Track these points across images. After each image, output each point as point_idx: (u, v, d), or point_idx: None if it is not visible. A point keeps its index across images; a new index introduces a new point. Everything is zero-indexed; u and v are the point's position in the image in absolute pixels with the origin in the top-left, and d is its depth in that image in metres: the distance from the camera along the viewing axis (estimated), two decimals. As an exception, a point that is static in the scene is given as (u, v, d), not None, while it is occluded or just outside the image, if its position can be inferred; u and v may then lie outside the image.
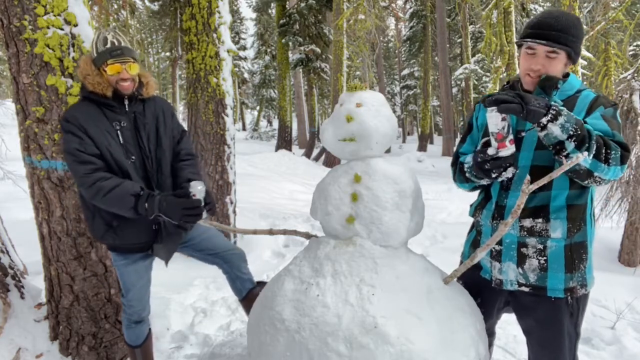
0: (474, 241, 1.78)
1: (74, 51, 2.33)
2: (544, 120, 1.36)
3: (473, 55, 19.93)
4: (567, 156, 1.38)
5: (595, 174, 1.39)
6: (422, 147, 21.31)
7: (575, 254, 1.57)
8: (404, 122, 34.45)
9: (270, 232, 1.88)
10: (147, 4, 23.00)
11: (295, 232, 1.90)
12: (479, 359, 1.51)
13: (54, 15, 2.25)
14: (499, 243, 1.63)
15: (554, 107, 1.36)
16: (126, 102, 1.99)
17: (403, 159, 16.17)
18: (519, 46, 1.62)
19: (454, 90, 24.75)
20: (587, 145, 1.34)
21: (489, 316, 1.80)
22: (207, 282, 3.76)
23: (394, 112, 18.97)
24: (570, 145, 1.36)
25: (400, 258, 1.58)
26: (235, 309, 3.39)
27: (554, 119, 1.35)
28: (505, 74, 11.32)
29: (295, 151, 16.72)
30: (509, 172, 1.53)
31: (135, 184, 1.90)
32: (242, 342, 2.78)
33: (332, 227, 1.62)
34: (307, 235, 1.80)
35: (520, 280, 1.61)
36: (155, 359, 2.70)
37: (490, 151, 1.49)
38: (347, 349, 1.38)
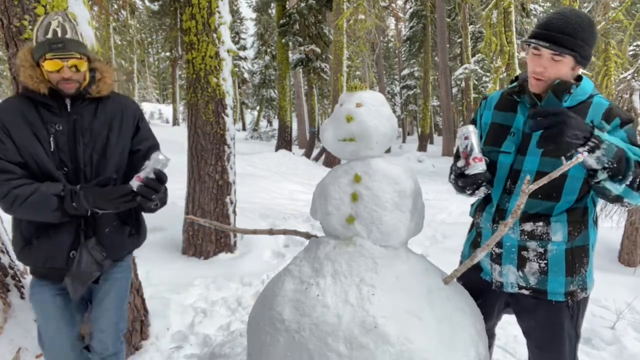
0: (474, 242, 1.77)
1: (74, 51, 2.33)
2: (579, 149, 1.29)
3: (473, 55, 19.94)
4: (597, 183, 1.35)
5: (625, 200, 1.37)
6: (422, 147, 21.33)
7: (577, 258, 1.56)
8: (404, 122, 34.47)
9: (270, 232, 1.88)
10: (147, 4, 23.03)
11: (295, 232, 1.90)
12: (479, 359, 1.51)
13: (54, 15, 2.25)
14: (499, 246, 1.62)
15: (594, 139, 1.27)
16: (68, 102, 1.64)
17: (403, 159, 16.19)
18: (528, 45, 1.54)
19: (454, 90, 24.75)
20: (621, 176, 1.31)
21: (490, 317, 1.79)
22: (207, 282, 3.76)
23: (394, 112, 18.97)
24: (602, 175, 1.32)
25: (400, 258, 1.58)
26: (235, 309, 3.39)
27: (591, 151, 1.27)
28: (505, 74, 11.32)
29: (295, 151, 16.72)
30: (482, 192, 1.55)
31: (56, 184, 1.58)
32: (242, 342, 2.78)
33: (332, 227, 1.62)
34: (307, 235, 1.80)
35: (521, 283, 1.61)
36: (155, 359, 2.70)
37: (460, 163, 1.52)
38: (347, 349, 1.38)
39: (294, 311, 1.50)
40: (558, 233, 1.52)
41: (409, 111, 31.66)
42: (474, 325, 1.56)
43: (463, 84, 21.94)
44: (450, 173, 1.71)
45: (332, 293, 1.48)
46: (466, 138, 1.49)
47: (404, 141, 32.01)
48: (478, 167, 1.48)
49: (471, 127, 1.52)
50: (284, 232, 1.90)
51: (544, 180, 1.38)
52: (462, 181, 1.53)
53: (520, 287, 1.61)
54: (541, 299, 1.59)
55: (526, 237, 1.56)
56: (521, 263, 1.59)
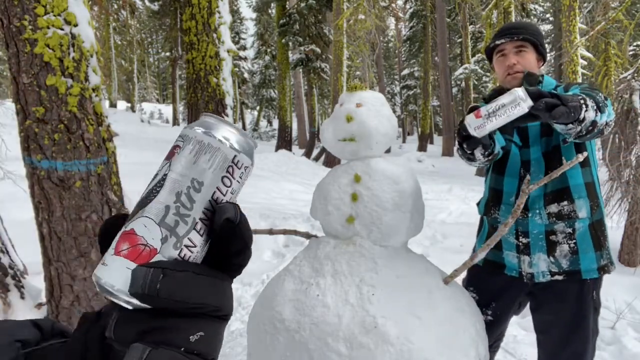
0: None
1: (74, 51, 2.33)
2: (582, 114, 1.28)
3: (473, 55, 19.93)
4: (601, 131, 1.38)
5: (609, 120, 1.40)
6: (422, 147, 21.32)
7: (599, 231, 1.60)
8: (404, 122, 34.45)
9: (270, 232, 1.88)
10: (147, 4, 23.04)
11: (295, 232, 1.90)
12: (479, 359, 1.51)
13: (54, 15, 2.25)
14: (526, 236, 1.62)
15: (581, 96, 1.31)
16: None
17: (403, 159, 16.17)
18: (490, 59, 1.73)
19: (454, 90, 24.76)
20: (601, 106, 1.36)
21: (505, 319, 1.79)
22: (207, 282, 3.76)
23: (394, 112, 18.96)
24: (599, 117, 1.34)
25: (400, 258, 1.58)
26: (235, 309, 3.39)
27: (586, 107, 1.30)
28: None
29: (295, 151, 16.72)
30: (478, 151, 1.47)
31: None
32: (242, 342, 2.78)
33: (332, 227, 1.62)
34: (307, 235, 1.80)
35: (553, 269, 1.60)
36: (155, 359, 2.70)
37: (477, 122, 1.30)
38: (347, 348, 1.38)
39: (294, 311, 1.50)
40: (583, 209, 1.55)
41: (409, 111, 31.63)
42: (474, 325, 1.56)
43: (463, 84, 21.92)
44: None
45: (332, 293, 1.48)
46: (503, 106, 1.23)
47: (404, 141, 32.01)
48: (475, 121, 1.32)
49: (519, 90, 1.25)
50: (284, 232, 1.90)
51: (544, 180, 1.41)
52: (466, 143, 1.44)
53: (553, 274, 1.60)
54: (574, 281, 1.58)
55: (554, 219, 1.57)
56: (551, 248, 1.59)
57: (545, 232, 1.60)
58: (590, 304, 1.60)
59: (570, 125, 1.32)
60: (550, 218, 1.57)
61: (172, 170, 0.40)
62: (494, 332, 1.76)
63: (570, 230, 1.58)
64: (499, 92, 1.66)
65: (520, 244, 1.64)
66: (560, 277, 1.60)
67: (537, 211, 1.59)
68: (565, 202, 1.56)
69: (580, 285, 1.60)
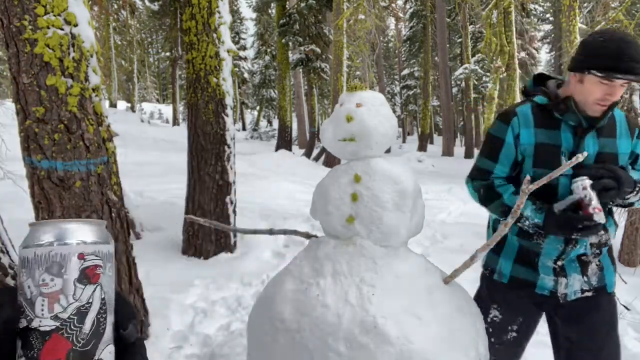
0: (524, 258, 1.75)
1: (74, 51, 2.33)
2: (630, 197, 1.58)
3: (473, 55, 19.94)
4: (630, 204, 1.68)
5: None
6: (422, 147, 21.33)
7: (610, 250, 1.73)
8: (404, 122, 34.47)
9: (271, 232, 1.88)
10: (147, 4, 23.07)
11: (295, 232, 1.90)
12: (479, 358, 1.51)
13: (54, 15, 2.26)
14: (561, 259, 1.65)
15: (638, 184, 1.57)
16: None
17: (403, 159, 16.16)
18: (580, 70, 1.50)
19: (454, 90, 24.77)
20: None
21: (530, 335, 1.83)
22: (207, 282, 3.76)
23: (394, 112, 18.95)
24: (635, 198, 1.61)
25: (400, 258, 1.58)
26: (235, 309, 3.39)
27: (637, 192, 1.57)
28: (505, 74, 11.31)
29: (295, 151, 16.71)
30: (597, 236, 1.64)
31: None
32: (242, 342, 2.79)
33: (332, 227, 1.62)
34: (307, 235, 1.80)
35: (584, 287, 1.66)
36: (155, 359, 2.70)
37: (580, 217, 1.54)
38: (347, 348, 1.38)
39: (294, 311, 1.49)
40: (612, 235, 1.68)
41: (409, 111, 31.66)
42: (474, 325, 1.56)
43: (463, 84, 21.96)
44: (489, 192, 1.68)
45: (332, 293, 1.48)
46: (584, 188, 1.49)
47: (404, 141, 32.01)
48: (602, 216, 1.50)
49: (588, 180, 1.52)
50: (284, 232, 1.90)
51: (544, 180, 1.42)
52: (582, 233, 1.53)
53: (583, 291, 1.66)
54: (602, 295, 1.67)
55: (595, 248, 1.65)
56: (584, 268, 1.65)
57: (578, 254, 1.65)
58: (617, 307, 1.73)
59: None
60: (592, 248, 1.65)
61: (106, 293, 0.42)
62: (517, 348, 1.81)
63: (598, 251, 1.67)
64: (561, 100, 1.59)
65: (557, 267, 1.66)
66: (589, 294, 1.67)
67: (584, 244, 1.64)
68: (603, 232, 1.64)
69: (608, 297, 1.70)
